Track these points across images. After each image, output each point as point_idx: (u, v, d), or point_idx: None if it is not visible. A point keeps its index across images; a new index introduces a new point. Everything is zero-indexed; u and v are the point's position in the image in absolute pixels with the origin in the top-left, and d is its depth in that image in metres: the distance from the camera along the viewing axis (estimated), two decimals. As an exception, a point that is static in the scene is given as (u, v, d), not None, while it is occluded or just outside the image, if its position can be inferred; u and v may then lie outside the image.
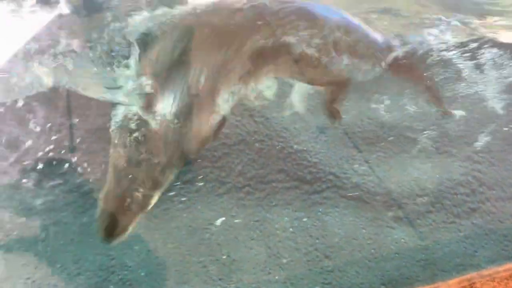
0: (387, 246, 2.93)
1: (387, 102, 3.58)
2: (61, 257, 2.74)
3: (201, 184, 3.17)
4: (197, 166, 3.26)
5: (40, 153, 3.14)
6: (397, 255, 2.87)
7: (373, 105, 3.54)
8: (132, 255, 2.81)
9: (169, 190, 3.06)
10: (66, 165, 3.15)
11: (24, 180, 3.05)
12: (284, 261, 2.87)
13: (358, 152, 3.34)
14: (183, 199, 3.08)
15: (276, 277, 2.82)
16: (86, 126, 3.35)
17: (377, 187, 3.20)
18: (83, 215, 2.94)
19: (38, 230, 2.83)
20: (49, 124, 3.27)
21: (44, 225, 2.85)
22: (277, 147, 3.29)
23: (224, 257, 2.83)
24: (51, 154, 3.18)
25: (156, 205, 3.01)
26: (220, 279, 2.75)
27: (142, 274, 2.75)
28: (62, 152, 3.23)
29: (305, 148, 3.33)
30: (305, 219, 3.04)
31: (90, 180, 3.11)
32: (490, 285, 2.44)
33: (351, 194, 3.16)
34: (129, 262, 2.79)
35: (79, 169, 3.15)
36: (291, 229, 3.00)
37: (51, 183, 3.06)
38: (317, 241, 2.96)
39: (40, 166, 3.11)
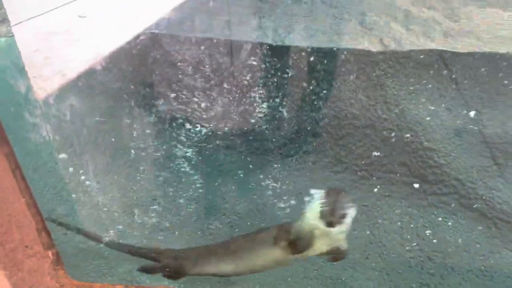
0: (500, 267, 2.73)
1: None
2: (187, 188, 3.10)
3: (319, 157, 3.25)
4: (319, 140, 3.34)
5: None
6: (509, 278, 2.67)
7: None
8: (242, 206, 3.06)
9: (289, 156, 3.22)
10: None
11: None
12: (385, 251, 2.86)
13: (493, 164, 3.10)
14: (299, 167, 3.21)
15: (373, 264, 2.83)
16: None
17: (505, 204, 2.95)
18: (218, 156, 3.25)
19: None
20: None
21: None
22: (405, 140, 3.20)
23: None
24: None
25: (273, 167, 3.20)
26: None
27: (248, 223, 2.99)
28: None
29: (434, 147, 3.19)
30: (416, 218, 2.96)
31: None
32: None
33: (474, 206, 2.97)
34: (239, 210, 3.04)
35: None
36: (399, 223, 2.95)
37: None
38: (423, 241, 2.87)
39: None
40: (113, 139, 3.20)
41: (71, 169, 3.02)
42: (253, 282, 2.70)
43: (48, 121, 2.95)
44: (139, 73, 3.38)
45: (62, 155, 3.01)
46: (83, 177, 3.03)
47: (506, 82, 3.30)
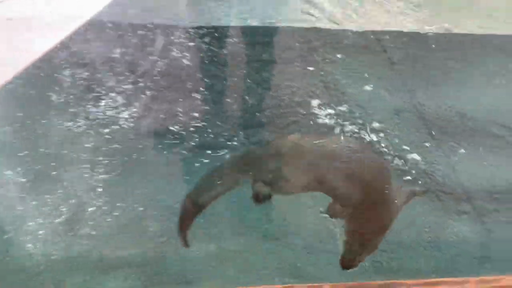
0: (446, 237, 2.86)
1: (472, 92, 3.39)
2: (139, 191, 3.00)
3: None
4: (265, 130, 3.34)
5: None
6: (454, 247, 2.80)
7: (457, 94, 3.37)
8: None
9: (236, 149, 3.19)
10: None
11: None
12: (338, 234, 2.92)
13: (432, 139, 3.24)
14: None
15: (327, 247, 2.87)
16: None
17: (446, 177, 3.10)
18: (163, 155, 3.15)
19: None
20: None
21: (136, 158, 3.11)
22: (347, 121, 3.28)
23: (282, 219, 2.94)
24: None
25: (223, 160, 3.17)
26: (276, 239, 2.87)
27: (201, 221, 2.93)
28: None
29: (377, 128, 3.28)
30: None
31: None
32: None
33: (418, 181, 3.09)
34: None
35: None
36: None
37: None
38: (373, 220, 2.96)
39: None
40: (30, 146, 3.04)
41: None
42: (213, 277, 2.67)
43: None
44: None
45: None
46: (3, 188, 2.87)
47: (437, 59, 3.46)
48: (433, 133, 3.23)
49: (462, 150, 3.18)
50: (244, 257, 2.71)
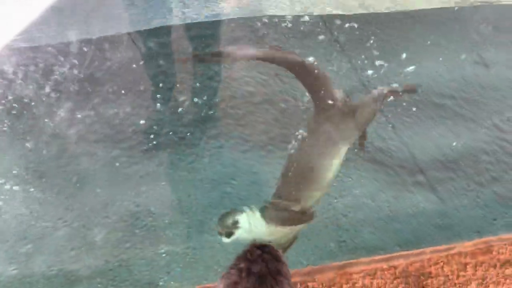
0: (404, 209, 2.96)
1: (414, 66, 3.49)
2: (90, 201, 2.91)
3: (225, 141, 3.23)
4: (221, 123, 3.32)
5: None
6: (414, 218, 2.90)
7: (400, 70, 3.46)
8: (156, 203, 2.95)
9: (194, 145, 3.15)
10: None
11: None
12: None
13: (383, 117, 3.32)
14: (207, 153, 3.17)
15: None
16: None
17: (400, 152, 3.19)
18: (115, 160, 3.07)
19: (71, 173, 2.99)
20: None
21: (75, 170, 3.01)
22: (302, 108, 3.30)
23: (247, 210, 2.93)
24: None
25: (181, 159, 3.13)
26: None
27: (166, 221, 2.90)
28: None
29: (330, 110, 3.33)
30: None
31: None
32: (508, 249, 2.42)
33: (374, 158, 3.16)
34: (154, 210, 2.93)
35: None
36: (310, 188, 3.05)
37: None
38: (335, 200, 3.01)
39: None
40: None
41: None
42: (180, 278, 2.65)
43: None
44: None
45: None
46: None
47: (382, 38, 3.54)
48: (383, 110, 3.31)
49: (412, 124, 3.29)
50: (210, 254, 2.70)
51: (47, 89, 3.01)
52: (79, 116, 3.07)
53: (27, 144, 2.95)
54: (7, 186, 2.83)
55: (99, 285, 2.62)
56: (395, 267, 2.29)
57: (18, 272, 2.63)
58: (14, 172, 2.87)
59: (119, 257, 2.73)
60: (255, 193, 3.02)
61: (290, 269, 2.14)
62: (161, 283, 2.61)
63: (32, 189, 2.85)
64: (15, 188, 2.84)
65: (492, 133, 3.28)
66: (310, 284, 2.19)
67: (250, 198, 2.98)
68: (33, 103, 3.02)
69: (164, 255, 2.79)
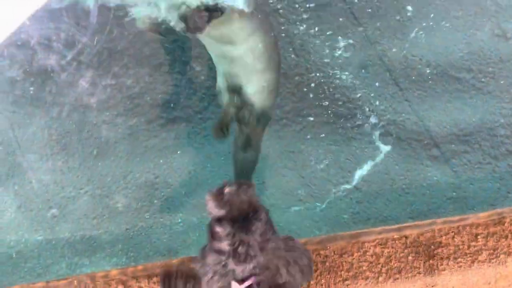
0: (418, 182, 2.98)
1: (433, 39, 3.43)
2: (111, 171, 3.01)
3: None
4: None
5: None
6: (428, 191, 2.92)
7: (419, 41, 3.41)
8: (174, 175, 3.04)
9: (210, 119, 3.21)
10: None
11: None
12: (316, 190, 3.01)
13: (398, 90, 3.30)
14: (223, 127, 3.22)
15: (306, 204, 2.97)
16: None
17: (415, 125, 3.18)
18: (135, 132, 3.16)
19: (92, 145, 3.10)
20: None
21: (96, 141, 3.10)
22: (317, 82, 3.31)
23: (258, 182, 3.00)
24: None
25: (197, 132, 3.19)
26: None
27: (183, 192, 2.99)
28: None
29: (344, 84, 3.33)
30: (339, 153, 3.12)
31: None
32: (520, 221, 2.44)
33: (389, 132, 3.17)
34: (172, 181, 3.02)
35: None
36: (325, 161, 3.09)
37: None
38: (348, 173, 3.05)
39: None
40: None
41: None
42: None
43: None
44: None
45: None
46: None
47: (401, 11, 3.48)
48: (399, 83, 3.29)
49: (427, 98, 3.26)
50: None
51: (68, 59, 3.09)
52: (98, 88, 3.14)
53: (50, 115, 3.05)
54: (32, 156, 2.95)
55: (120, 252, 2.74)
56: (406, 237, 2.33)
57: (43, 238, 2.77)
58: (37, 142, 2.99)
59: (139, 225, 2.84)
60: (269, 165, 3.08)
61: (303, 238, 2.21)
62: (179, 250, 2.72)
63: (55, 159, 2.97)
64: (39, 157, 2.95)
65: (510, 107, 3.23)
66: (322, 252, 2.26)
67: (264, 170, 3.04)
68: (54, 73, 3.10)
69: (181, 224, 2.89)
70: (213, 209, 1.72)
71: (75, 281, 2.04)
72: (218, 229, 1.64)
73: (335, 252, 2.26)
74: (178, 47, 3.33)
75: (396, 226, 2.36)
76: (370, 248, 2.29)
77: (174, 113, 3.19)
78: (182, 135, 3.15)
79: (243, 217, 1.65)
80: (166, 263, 2.39)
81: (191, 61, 3.32)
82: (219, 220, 1.66)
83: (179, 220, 2.90)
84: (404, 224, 2.40)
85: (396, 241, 2.33)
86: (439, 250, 2.30)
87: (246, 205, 1.69)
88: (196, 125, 3.18)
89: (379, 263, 2.22)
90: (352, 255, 2.28)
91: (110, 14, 3.15)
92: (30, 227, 2.80)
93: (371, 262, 2.22)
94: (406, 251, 2.29)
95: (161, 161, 3.06)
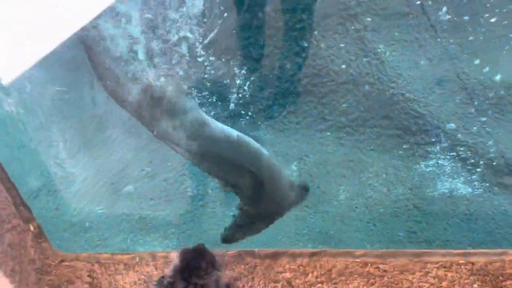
0: (484, 210, 2.80)
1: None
2: (172, 157, 3.10)
3: (303, 117, 3.25)
4: (301, 99, 3.33)
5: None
6: (493, 220, 2.74)
7: (502, 62, 3.20)
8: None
9: (272, 118, 3.21)
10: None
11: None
12: (372, 202, 2.92)
13: (474, 110, 3.12)
14: (284, 127, 3.22)
15: (361, 216, 2.89)
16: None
17: (488, 149, 2.99)
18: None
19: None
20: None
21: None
22: (387, 93, 3.21)
23: (315, 188, 2.97)
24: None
25: (258, 129, 3.21)
26: (306, 206, 2.91)
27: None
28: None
29: (416, 98, 3.20)
30: (401, 169, 3.01)
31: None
32: None
33: (458, 153, 3.01)
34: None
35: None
36: (384, 175, 3.00)
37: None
38: (409, 191, 2.93)
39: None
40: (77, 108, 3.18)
41: (40, 142, 3.02)
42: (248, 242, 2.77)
43: (8, 94, 2.92)
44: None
45: (30, 128, 2.99)
46: (53, 149, 3.03)
47: (484, 25, 3.28)
48: (476, 103, 3.11)
49: (506, 122, 3.06)
50: (276, 221, 2.78)
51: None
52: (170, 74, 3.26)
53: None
54: (105, 133, 3.11)
55: (171, 235, 2.83)
56: (472, 264, 2.19)
57: (104, 212, 2.91)
58: (105, 124, 3.14)
59: (192, 212, 2.91)
60: (326, 172, 3.03)
61: (356, 249, 2.16)
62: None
63: (121, 139, 3.11)
64: (105, 138, 3.11)
65: None
66: (381, 266, 2.18)
67: (320, 176, 3.00)
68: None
69: (233, 217, 2.93)
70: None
71: (137, 257, 2.13)
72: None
73: (395, 269, 2.17)
74: (250, 44, 3.39)
75: (463, 251, 2.22)
76: (433, 270, 2.18)
77: (237, 108, 3.24)
78: (241, 131, 3.19)
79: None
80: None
81: (261, 60, 3.35)
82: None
83: (231, 213, 2.93)
84: (472, 250, 2.25)
85: (462, 266, 2.20)
86: (508, 282, 2.15)
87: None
88: (257, 123, 3.20)
89: (441, 286, 2.10)
90: (414, 273, 2.17)
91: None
92: (93, 200, 2.95)
93: (432, 284, 2.11)
94: (471, 278, 2.15)
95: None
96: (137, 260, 2.12)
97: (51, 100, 3.13)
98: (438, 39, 3.30)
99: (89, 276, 2.05)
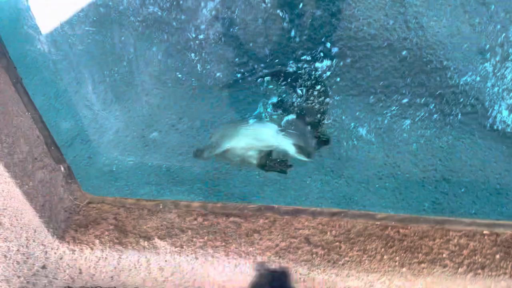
0: (516, 185, 2.72)
1: None
2: (212, 116, 3.14)
3: (334, 81, 3.18)
4: (334, 62, 3.26)
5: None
6: (525, 196, 2.66)
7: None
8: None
9: (304, 80, 3.17)
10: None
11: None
12: (399, 172, 2.88)
13: (514, 83, 2.98)
14: (318, 88, 3.17)
15: (386, 184, 2.86)
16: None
17: (527, 124, 2.87)
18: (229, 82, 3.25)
19: (188, 87, 3.23)
20: None
21: (192, 84, 3.25)
22: (424, 59, 3.09)
23: (342, 153, 2.95)
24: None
25: (287, 90, 3.18)
26: (332, 171, 2.90)
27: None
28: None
29: (455, 67, 3.07)
30: (432, 139, 2.93)
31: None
32: None
33: (494, 126, 2.90)
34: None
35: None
36: (414, 145, 2.93)
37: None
38: (439, 162, 2.86)
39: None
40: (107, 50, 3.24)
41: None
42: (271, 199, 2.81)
43: (40, 33, 3.00)
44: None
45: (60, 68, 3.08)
46: (84, 90, 3.13)
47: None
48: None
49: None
50: (301, 183, 2.80)
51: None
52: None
53: (158, 56, 3.24)
54: (137, 90, 3.19)
55: (198, 190, 2.90)
56: (497, 234, 2.13)
57: (134, 162, 3.01)
58: (142, 79, 3.20)
59: (220, 169, 2.97)
60: (354, 137, 3.00)
61: (378, 213, 2.15)
62: (252, 200, 2.80)
63: (152, 95, 3.17)
64: (137, 93, 3.17)
65: None
66: (401, 231, 2.16)
67: (347, 141, 2.98)
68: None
69: (258, 177, 2.96)
70: None
71: (161, 204, 2.21)
72: None
73: (415, 234, 2.15)
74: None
75: (489, 221, 2.16)
76: (454, 238, 2.14)
77: (268, 69, 3.22)
78: (266, 92, 3.18)
79: None
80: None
81: (294, 21, 3.28)
82: None
83: (257, 173, 2.97)
84: (499, 221, 2.19)
85: (485, 237, 2.15)
86: (531, 257, 2.09)
87: None
88: (288, 83, 3.18)
89: (461, 254, 2.07)
90: (434, 240, 2.14)
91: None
92: (124, 151, 3.05)
93: (453, 251, 2.08)
94: (494, 248, 2.10)
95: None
96: (160, 206, 2.19)
97: (81, 40, 3.19)
98: (484, 5, 3.12)
99: (114, 218, 2.15)
